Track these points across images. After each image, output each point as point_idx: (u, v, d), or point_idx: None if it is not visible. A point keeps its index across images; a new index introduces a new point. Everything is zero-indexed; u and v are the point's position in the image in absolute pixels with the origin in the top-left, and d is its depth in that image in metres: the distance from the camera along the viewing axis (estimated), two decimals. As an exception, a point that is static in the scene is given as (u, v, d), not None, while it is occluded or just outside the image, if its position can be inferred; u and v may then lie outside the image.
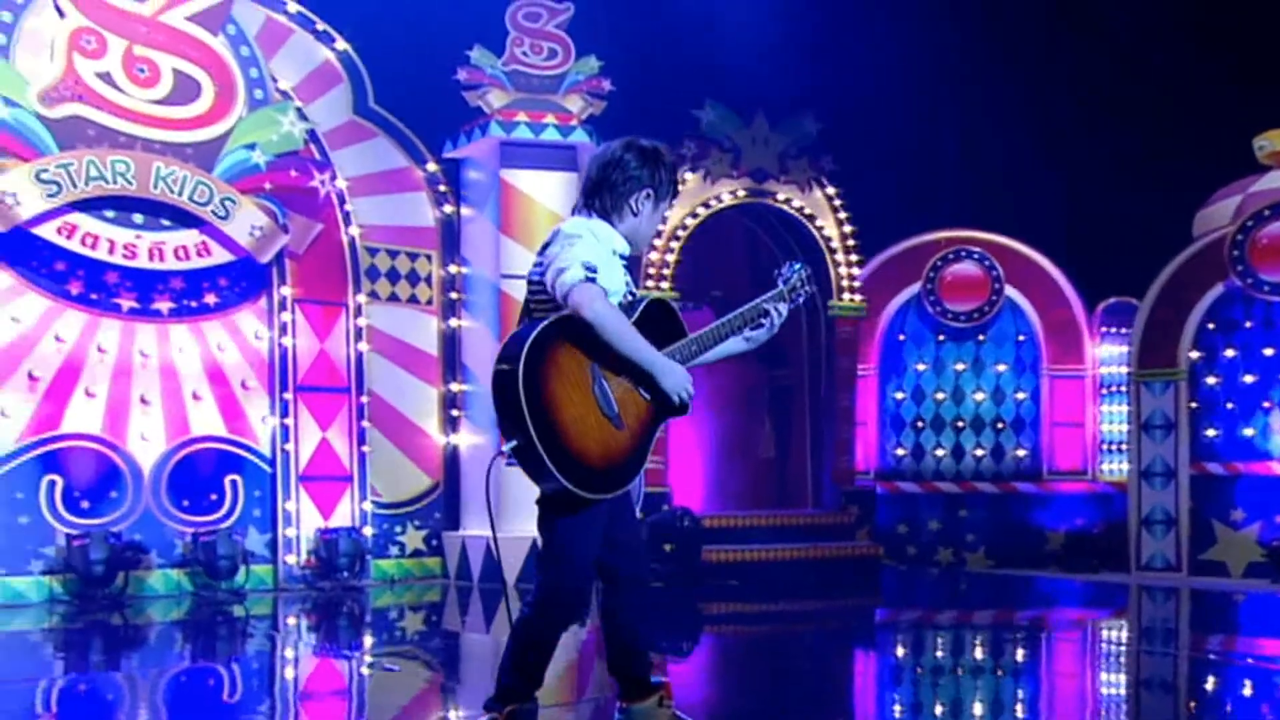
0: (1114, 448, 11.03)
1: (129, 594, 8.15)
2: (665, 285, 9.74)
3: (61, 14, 8.28)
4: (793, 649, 7.14)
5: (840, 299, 10.47)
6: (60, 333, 8.21)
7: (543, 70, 9.46)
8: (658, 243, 9.78)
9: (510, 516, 8.29)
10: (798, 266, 4.17)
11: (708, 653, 7.18)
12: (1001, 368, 11.22)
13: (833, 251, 10.43)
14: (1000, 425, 11.19)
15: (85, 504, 8.20)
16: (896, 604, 9.31)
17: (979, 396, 11.22)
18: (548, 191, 9.16)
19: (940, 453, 11.20)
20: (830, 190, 10.45)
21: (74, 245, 8.18)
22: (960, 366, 11.25)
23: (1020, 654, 6.76)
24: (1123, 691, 5.80)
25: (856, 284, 10.56)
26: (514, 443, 3.56)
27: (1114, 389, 11.04)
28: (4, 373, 8.02)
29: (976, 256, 11.21)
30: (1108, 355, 11.14)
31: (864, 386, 11.07)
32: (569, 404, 3.59)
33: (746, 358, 11.01)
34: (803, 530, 9.92)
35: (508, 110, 9.31)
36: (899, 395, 11.30)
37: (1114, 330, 11.09)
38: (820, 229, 10.41)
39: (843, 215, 10.49)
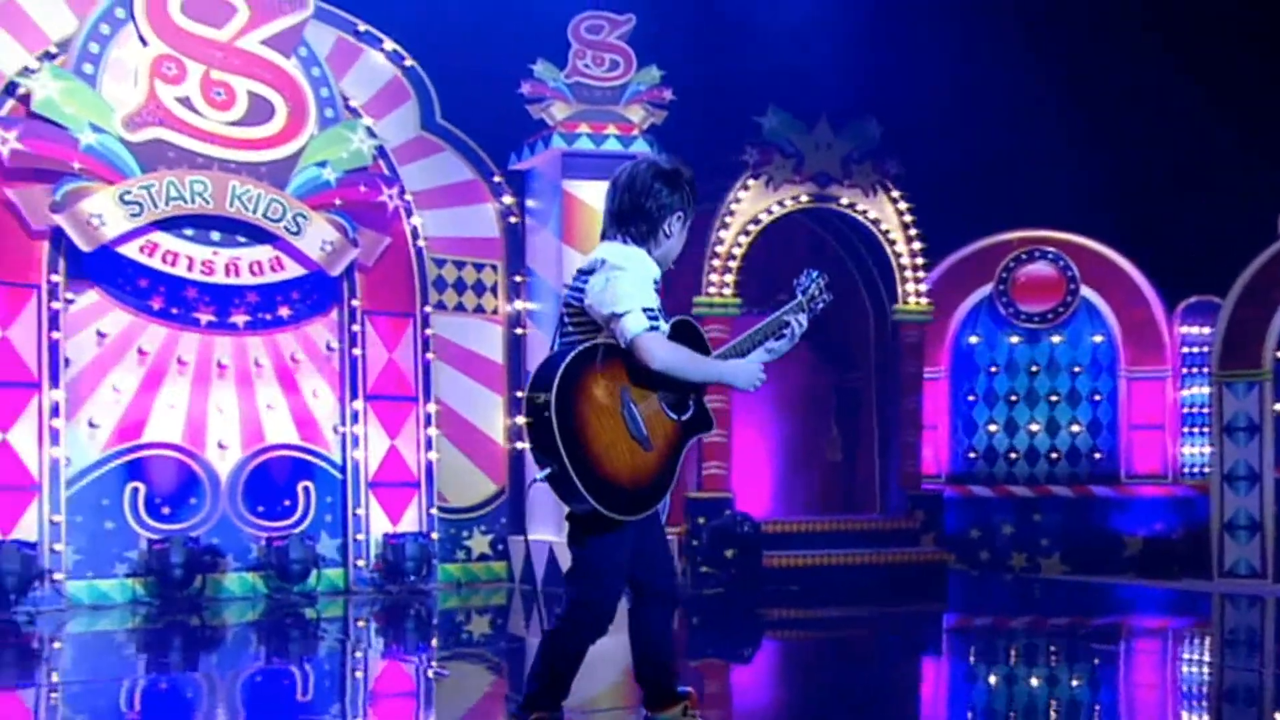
0: (1195, 450, 10.76)
1: (206, 596, 8.48)
2: (728, 292, 9.79)
3: (144, 43, 8.61)
4: (843, 657, 7.11)
5: (905, 303, 10.40)
6: (143, 346, 8.59)
7: (604, 81, 9.58)
8: (720, 249, 9.84)
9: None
10: (815, 275, 4.19)
11: (758, 659, 7.21)
12: (1077, 369, 11.03)
13: (898, 255, 10.37)
14: (1076, 427, 11.00)
15: (166, 510, 8.55)
16: (959, 611, 9.20)
17: (1054, 398, 11.03)
18: (608, 202, 9.26)
19: (1014, 456, 11.04)
20: (895, 193, 10.38)
21: (155, 263, 8.52)
22: (1034, 368, 11.08)
23: (1092, 667, 6.53)
24: (1204, 704, 5.59)
25: (923, 288, 10.47)
26: (548, 470, 3.70)
27: (1195, 390, 10.77)
28: (91, 385, 8.42)
29: (1051, 256, 11.05)
30: (1188, 355, 10.86)
31: (935, 389, 10.98)
32: (600, 431, 3.70)
33: (814, 362, 10.96)
34: (866, 535, 9.86)
35: (570, 122, 9.45)
36: (971, 398, 11.17)
37: (1195, 330, 10.82)
38: (885, 233, 10.36)
39: (908, 219, 10.42)
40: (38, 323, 8.17)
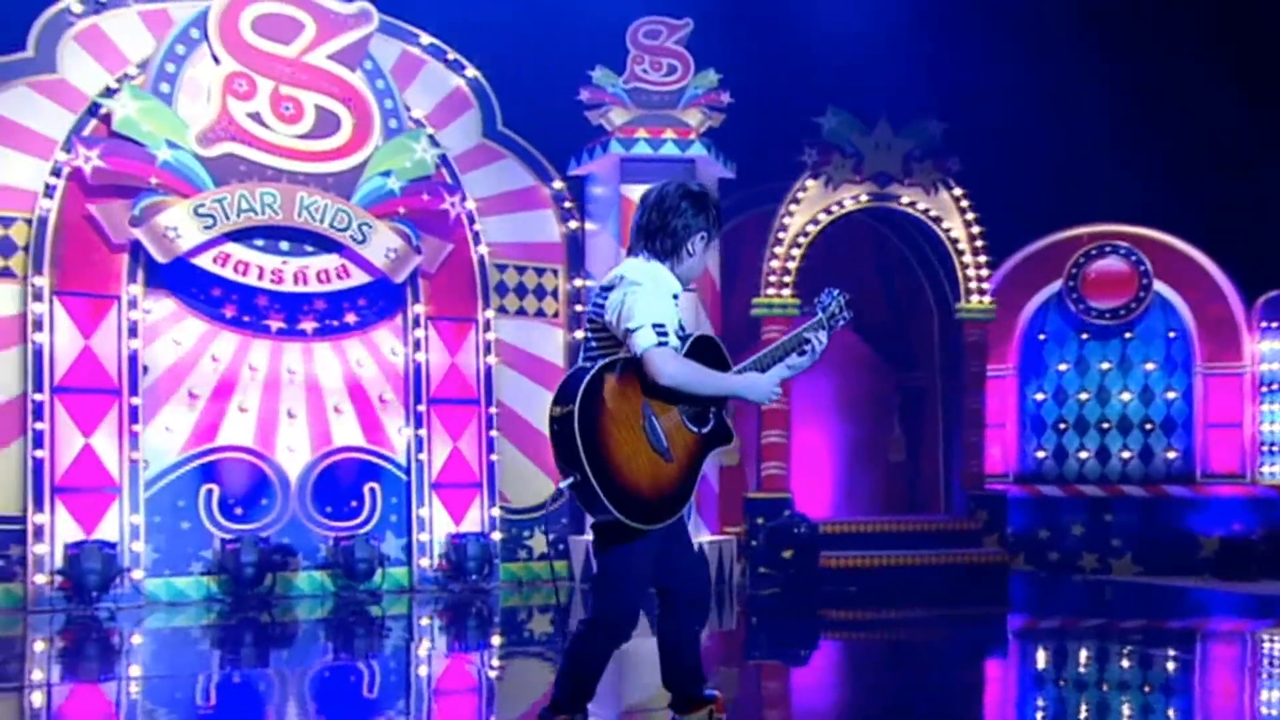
0: (1275, 449, 10.47)
1: (276, 594, 8.75)
2: (786, 292, 9.81)
3: (217, 61, 8.90)
4: (897, 660, 7.07)
5: (968, 301, 10.30)
6: (216, 353, 8.90)
7: (662, 86, 9.66)
8: (779, 250, 9.87)
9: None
10: (835, 293, 4.30)
11: (814, 660, 7.22)
12: (1150, 366, 10.80)
13: (960, 253, 10.28)
14: (1149, 426, 10.78)
15: (239, 510, 8.85)
16: (1018, 613, 9.05)
17: (1126, 396, 10.82)
18: (665, 205, 9.32)
19: (1084, 455, 10.86)
20: (957, 191, 10.30)
21: (228, 273, 8.82)
22: (1105, 366, 10.88)
23: (1161, 674, 6.33)
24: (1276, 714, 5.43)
25: (985, 286, 10.36)
26: (571, 480, 3.84)
27: (1275, 387, 10.47)
28: (168, 391, 8.76)
29: (1123, 251, 10.84)
30: (1268, 351, 10.57)
31: (1003, 387, 10.86)
32: (622, 443, 3.83)
33: (877, 362, 10.88)
34: (926, 536, 9.79)
35: (628, 127, 9.56)
36: (1039, 396, 11.01)
37: (1275, 325, 10.53)
38: (947, 231, 10.28)
39: (970, 216, 10.32)
40: (118, 332, 8.51)
